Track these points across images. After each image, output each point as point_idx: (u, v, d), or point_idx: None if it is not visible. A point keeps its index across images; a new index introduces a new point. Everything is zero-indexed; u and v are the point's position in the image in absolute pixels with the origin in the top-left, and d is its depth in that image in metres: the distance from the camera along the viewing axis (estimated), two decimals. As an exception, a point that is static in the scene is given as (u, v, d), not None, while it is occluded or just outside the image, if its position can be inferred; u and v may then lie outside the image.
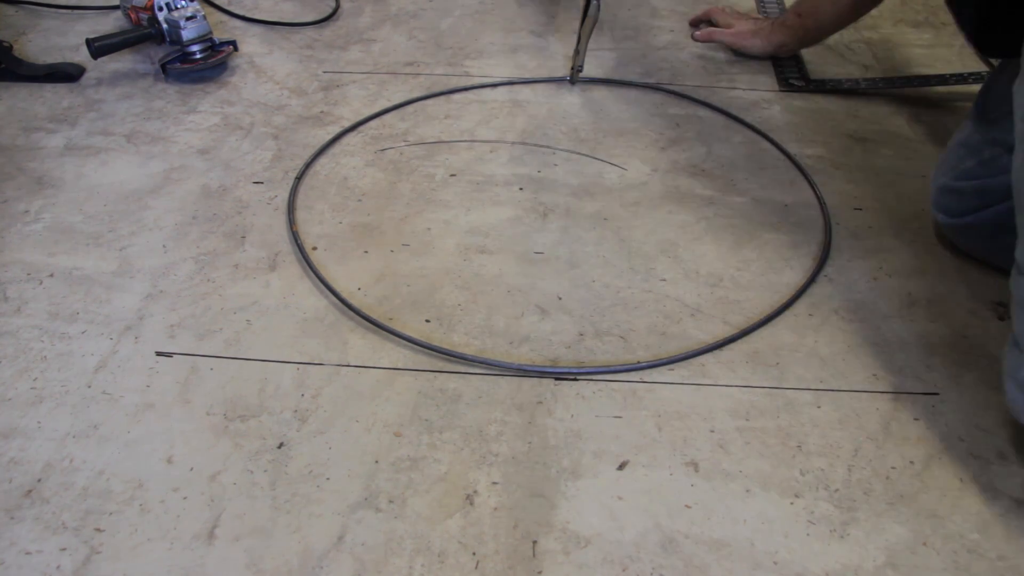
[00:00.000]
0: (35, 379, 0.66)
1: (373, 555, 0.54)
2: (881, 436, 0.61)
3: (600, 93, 1.05)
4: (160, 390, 0.65)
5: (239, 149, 0.94)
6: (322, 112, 1.01)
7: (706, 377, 0.66)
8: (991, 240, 0.73)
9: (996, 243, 0.71)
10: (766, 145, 0.95)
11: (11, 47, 1.09)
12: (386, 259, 0.78)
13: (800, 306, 0.73)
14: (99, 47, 1.04)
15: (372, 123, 0.99)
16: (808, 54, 1.12)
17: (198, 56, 1.07)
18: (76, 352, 0.68)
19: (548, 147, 0.95)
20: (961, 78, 1.03)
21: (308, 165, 0.91)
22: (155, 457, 0.60)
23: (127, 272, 0.77)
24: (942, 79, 1.03)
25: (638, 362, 0.67)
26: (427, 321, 0.72)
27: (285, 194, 0.87)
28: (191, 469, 0.59)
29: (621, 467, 0.59)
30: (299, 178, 0.89)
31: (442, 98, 1.04)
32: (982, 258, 0.76)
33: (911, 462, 0.60)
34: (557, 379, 0.66)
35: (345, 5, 1.28)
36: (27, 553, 0.54)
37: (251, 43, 1.17)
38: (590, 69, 1.06)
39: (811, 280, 0.75)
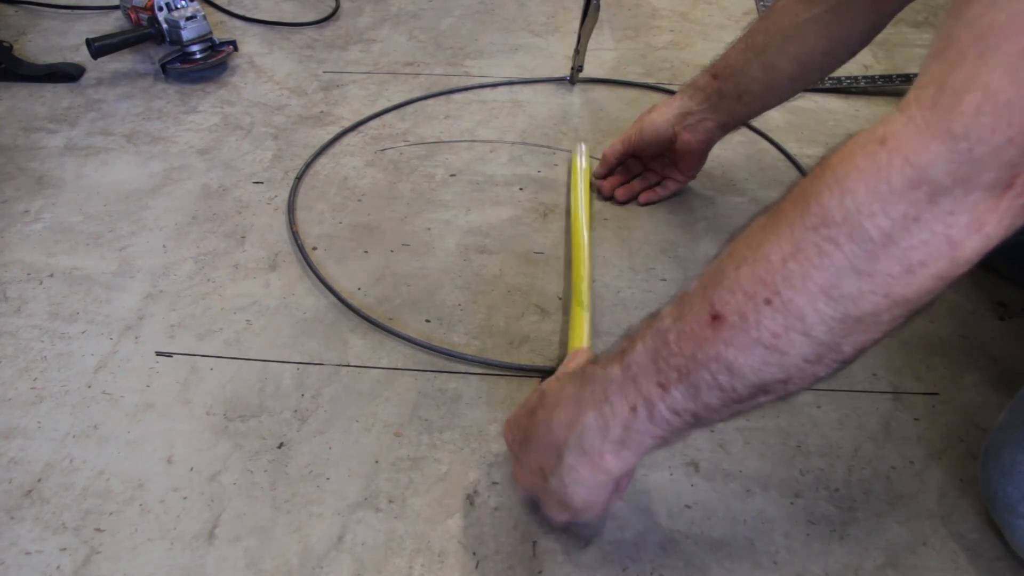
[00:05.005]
0: (35, 379, 0.66)
1: (373, 555, 0.54)
2: (881, 436, 0.61)
3: (600, 93, 1.05)
4: (160, 390, 0.65)
5: (239, 149, 0.94)
6: (322, 112, 1.01)
7: (706, 377, 0.66)
8: (1007, 251, 0.72)
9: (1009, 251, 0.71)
10: (766, 145, 0.95)
11: (11, 47, 1.09)
12: (386, 259, 0.78)
13: (800, 306, 0.73)
14: (99, 47, 1.04)
15: (372, 123, 0.99)
16: (808, 54, 1.12)
17: (198, 56, 1.07)
18: (76, 352, 0.68)
19: (548, 147, 0.95)
20: (961, 78, 1.03)
21: (308, 165, 0.91)
22: (155, 457, 0.60)
23: (127, 272, 0.77)
24: (941, 79, 1.03)
25: (638, 362, 0.67)
26: (427, 321, 0.72)
27: (285, 194, 0.87)
28: (191, 469, 0.59)
29: (621, 467, 0.59)
30: (299, 178, 0.89)
31: (442, 98, 1.04)
32: (990, 264, 0.76)
33: (911, 462, 0.60)
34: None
35: (345, 5, 1.28)
36: (27, 553, 0.54)
37: (251, 43, 1.17)
38: (590, 69, 1.06)
39: (811, 280, 0.75)
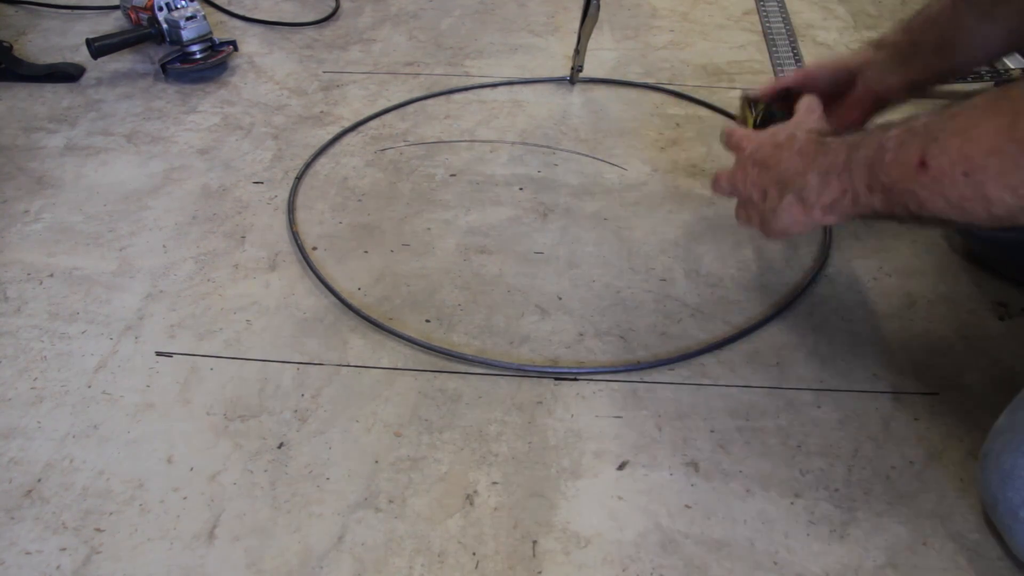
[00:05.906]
0: (35, 379, 0.66)
1: (373, 555, 0.54)
2: (881, 436, 0.61)
3: (600, 93, 1.05)
4: (160, 390, 0.65)
5: (239, 149, 0.94)
6: (322, 112, 1.01)
7: (706, 377, 0.66)
8: (1007, 251, 0.72)
9: (1012, 255, 0.71)
10: (766, 145, 0.95)
11: (11, 47, 1.09)
12: (386, 259, 0.78)
13: (800, 306, 0.73)
14: (99, 47, 1.04)
15: (372, 123, 0.99)
16: (807, 54, 1.12)
17: (198, 56, 1.07)
18: (76, 352, 0.68)
19: (548, 147, 0.95)
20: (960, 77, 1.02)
21: (308, 165, 0.91)
22: (155, 457, 0.60)
23: (127, 272, 0.77)
24: (942, 79, 1.03)
25: (638, 362, 0.67)
26: (427, 321, 0.72)
27: (285, 194, 0.87)
28: (191, 469, 0.59)
29: (621, 467, 0.59)
30: (299, 178, 0.89)
31: (442, 98, 1.04)
32: (990, 264, 0.76)
33: (911, 462, 0.60)
34: (557, 379, 0.66)
35: (345, 5, 1.28)
36: (27, 553, 0.54)
37: (251, 43, 1.17)
38: (590, 69, 1.06)
39: (811, 280, 0.75)
